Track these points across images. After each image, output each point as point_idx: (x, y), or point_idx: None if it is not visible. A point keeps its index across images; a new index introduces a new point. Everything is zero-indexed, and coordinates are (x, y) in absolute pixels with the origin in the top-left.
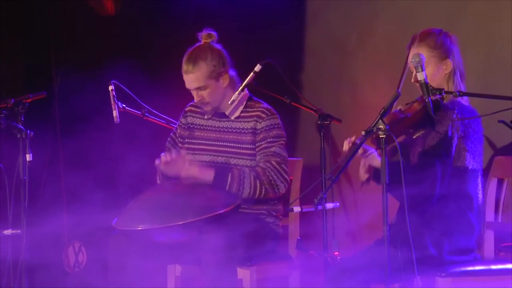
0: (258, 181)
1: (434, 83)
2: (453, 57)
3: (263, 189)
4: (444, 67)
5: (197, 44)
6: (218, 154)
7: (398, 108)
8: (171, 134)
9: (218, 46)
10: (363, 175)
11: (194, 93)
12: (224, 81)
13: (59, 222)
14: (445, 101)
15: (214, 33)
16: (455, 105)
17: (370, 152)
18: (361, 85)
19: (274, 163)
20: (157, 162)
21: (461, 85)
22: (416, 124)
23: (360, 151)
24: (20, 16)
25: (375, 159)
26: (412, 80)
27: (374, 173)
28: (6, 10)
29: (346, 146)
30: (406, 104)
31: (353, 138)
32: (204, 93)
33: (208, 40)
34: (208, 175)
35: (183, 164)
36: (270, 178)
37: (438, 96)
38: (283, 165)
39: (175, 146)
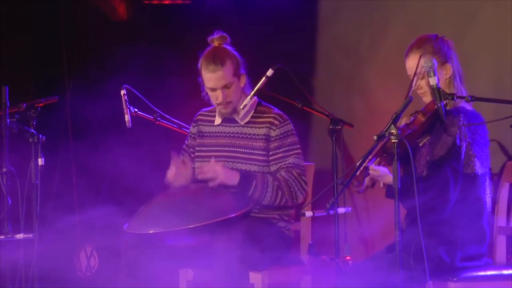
0: (280, 191)
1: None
2: (452, 61)
3: (284, 199)
4: (444, 71)
5: (212, 46)
6: (229, 160)
7: (404, 123)
8: (184, 146)
9: (231, 48)
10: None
11: (218, 93)
12: (242, 81)
13: (71, 226)
14: (448, 108)
15: (226, 35)
16: (460, 111)
17: (380, 171)
18: (373, 90)
19: (295, 174)
20: (166, 180)
21: (462, 89)
22: (423, 133)
23: (370, 172)
24: (32, 21)
25: (387, 176)
26: (414, 88)
27: (387, 191)
28: (19, 15)
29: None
30: (411, 115)
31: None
32: (229, 91)
33: (222, 42)
34: (233, 180)
35: (212, 165)
36: (292, 189)
37: (442, 104)
38: (303, 177)
39: (187, 157)
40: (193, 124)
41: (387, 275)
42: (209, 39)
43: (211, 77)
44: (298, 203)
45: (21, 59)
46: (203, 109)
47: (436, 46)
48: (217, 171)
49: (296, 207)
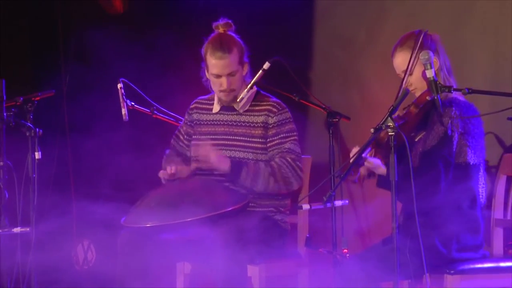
0: (272, 178)
1: (423, 82)
2: (437, 54)
3: (276, 186)
4: None
5: (218, 33)
6: (227, 148)
7: (396, 114)
8: (176, 131)
9: (235, 35)
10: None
11: (222, 80)
12: (245, 70)
13: (68, 220)
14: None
15: (231, 22)
16: (452, 102)
17: (374, 162)
18: (369, 82)
19: (289, 159)
20: (160, 174)
21: (450, 81)
22: (416, 127)
23: (366, 163)
24: (29, 14)
25: (380, 168)
26: (404, 85)
27: (378, 180)
28: (15, 8)
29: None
30: (404, 108)
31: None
32: (234, 79)
33: (227, 29)
34: (224, 166)
35: (205, 147)
36: (285, 175)
37: (432, 97)
38: (298, 162)
39: (179, 143)
40: (189, 112)
41: (384, 267)
42: (214, 25)
43: (217, 64)
44: (293, 190)
45: (17, 52)
46: (200, 97)
47: (418, 41)
48: (209, 154)
49: (292, 199)
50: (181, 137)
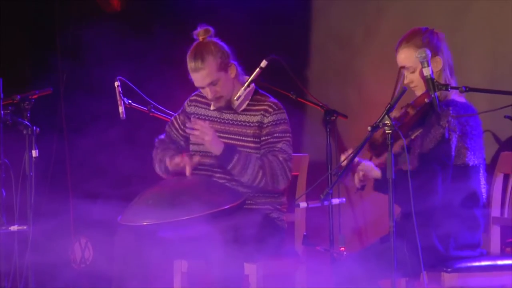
0: (261, 171)
1: (424, 82)
2: (442, 53)
3: (264, 180)
4: (435, 64)
5: (196, 42)
6: None
7: (393, 115)
8: (172, 118)
9: (216, 40)
10: (358, 182)
11: (206, 90)
12: (232, 72)
13: (66, 218)
14: (439, 101)
15: (210, 28)
16: (449, 104)
17: (365, 164)
18: (367, 81)
19: (281, 158)
20: (168, 163)
21: (452, 81)
22: (413, 127)
23: (358, 168)
24: (26, 12)
25: (373, 171)
26: (405, 82)
27: (375, 184)
28: (13, 6)
29: (343, 158)
30: (401, 108)
31: (349, 151)
32: (217, 87)
33: (206, 36)
34: (217, 148)
35: (205, 129)
36: (274, 172)
37: (430, 98)
38: (288, 163)
39: (173, 130)
40: (188, 102)
41: (381, 265)
42: (194, 33)
43: (196, 77)
44: (279, 189)
45: (15, 51)
46: (199, 91)
47: (424, 40)
48: (206, 132)
49: (289, 197)
50: (176, 125)
